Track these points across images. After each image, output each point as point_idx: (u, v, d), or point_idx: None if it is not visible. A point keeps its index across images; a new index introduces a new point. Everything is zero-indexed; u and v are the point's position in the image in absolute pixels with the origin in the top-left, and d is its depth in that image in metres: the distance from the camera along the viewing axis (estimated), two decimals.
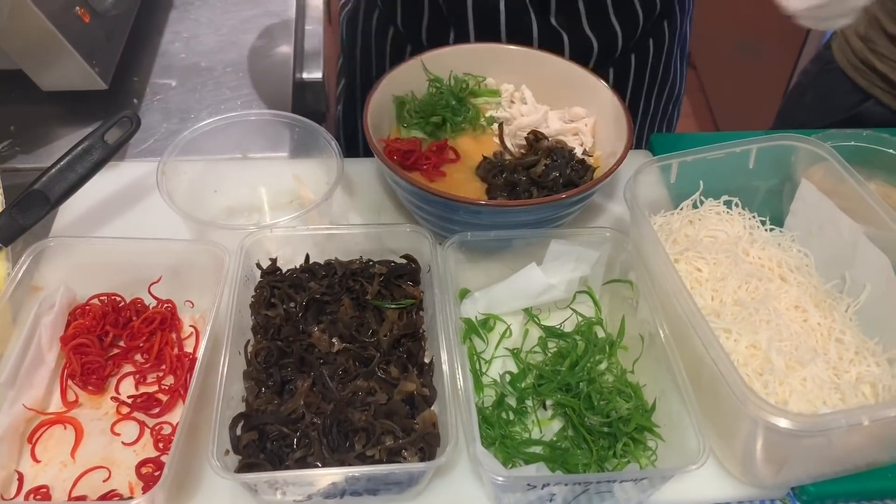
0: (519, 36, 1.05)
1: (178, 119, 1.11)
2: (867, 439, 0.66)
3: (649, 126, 1.29)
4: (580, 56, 1.08)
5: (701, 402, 0.72)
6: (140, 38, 1.23)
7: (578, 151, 0.93)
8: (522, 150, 0.95)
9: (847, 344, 0.74)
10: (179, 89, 1.16)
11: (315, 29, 1.43)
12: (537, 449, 0.74)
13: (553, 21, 1.04)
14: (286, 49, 1.26)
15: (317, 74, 1.33)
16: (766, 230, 0.88)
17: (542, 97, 0.99)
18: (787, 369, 0.70)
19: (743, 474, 0.72)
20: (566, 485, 0.65)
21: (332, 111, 1.50)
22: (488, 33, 1.05)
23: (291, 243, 0.85)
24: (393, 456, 0.68)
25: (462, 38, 1.07)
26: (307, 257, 0.84)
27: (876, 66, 1.24)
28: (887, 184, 0.98)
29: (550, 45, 1.05)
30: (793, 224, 0.88)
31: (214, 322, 0.74)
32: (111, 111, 0.98)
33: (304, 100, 1.33)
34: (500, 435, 0.73)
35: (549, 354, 0.81)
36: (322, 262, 0.84)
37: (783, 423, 0.61)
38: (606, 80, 1.15)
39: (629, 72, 1.16)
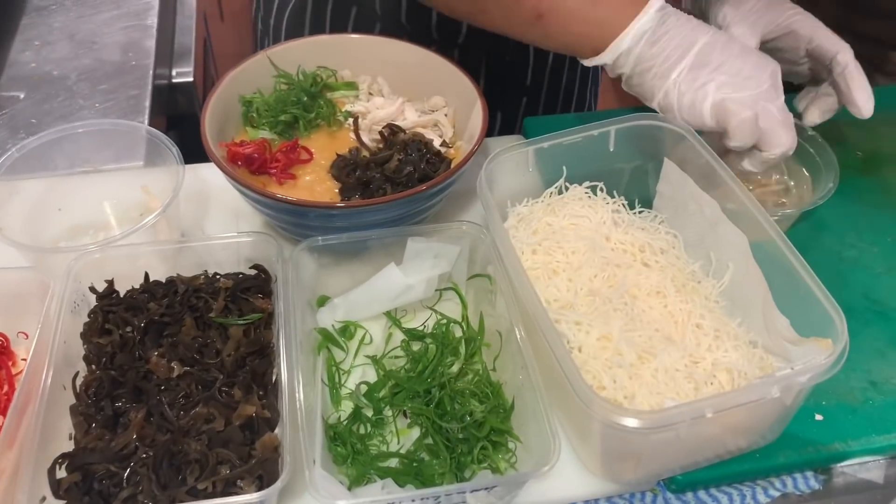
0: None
1: (26, 134, 1.04)
2: (720, 429, 0.64)
3: (562, 109, 1.26)
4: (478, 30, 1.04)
5: (556, 398, 0.69)
6: None
7: (437, 143, 0.89)
8: (380, 146, 0.90)
9: (706, 329, 0.71)
10: (27, 101, 1.09)
11: (187, 26, 1.37)
12: (393, 462, 0.70)
13: None
14: (149, 51, 1.19)
15: (187, 76, 1.27)
16: (635, 213, 0.85)
17: (401, 88, 0.94)
18: (638, 361, 0.67)
19: (603, 473, 0.69)
20: (412, 501, 0.62)
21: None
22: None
23: (132, 262, 0.79)
24: (229, 487, 0.64)
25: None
26: (146, 276, 0.79)
27: None
28: None
29: (448, 21, 1.00)
30: (660, 205, 0.86)
31: (36, 355, 0.68)
32: None
33: (176, 103, 1.27)
34: (352, 451, 0.70)
35: (410, 358, 0.78)
36: (165, 279, 0.79)
37: (626, 421, 0.59)
38: (503, 62, 1.12)
39: (528, 47, 1.12)
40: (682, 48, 0.78)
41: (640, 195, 0.86)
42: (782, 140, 0.78)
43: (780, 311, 0.70)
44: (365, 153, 0.89)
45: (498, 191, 0.83)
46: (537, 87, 1.19)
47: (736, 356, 0.70)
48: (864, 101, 0.84)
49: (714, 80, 0.78)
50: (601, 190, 0.85)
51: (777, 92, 0.79)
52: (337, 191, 0.85)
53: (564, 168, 0.84)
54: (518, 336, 0.70)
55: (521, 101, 1.20)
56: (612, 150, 0.83)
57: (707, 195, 0.79)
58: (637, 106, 0.87)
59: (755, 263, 0.73)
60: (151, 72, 1.15)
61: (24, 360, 0.77)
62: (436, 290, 0.82)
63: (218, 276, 0.80)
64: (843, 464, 0.74)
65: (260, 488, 0.63)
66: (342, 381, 0.77)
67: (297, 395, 0.66)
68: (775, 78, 0.79)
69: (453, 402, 0.71)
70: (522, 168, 0.85)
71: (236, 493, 0.63)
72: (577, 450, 0.71)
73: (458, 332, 0.80)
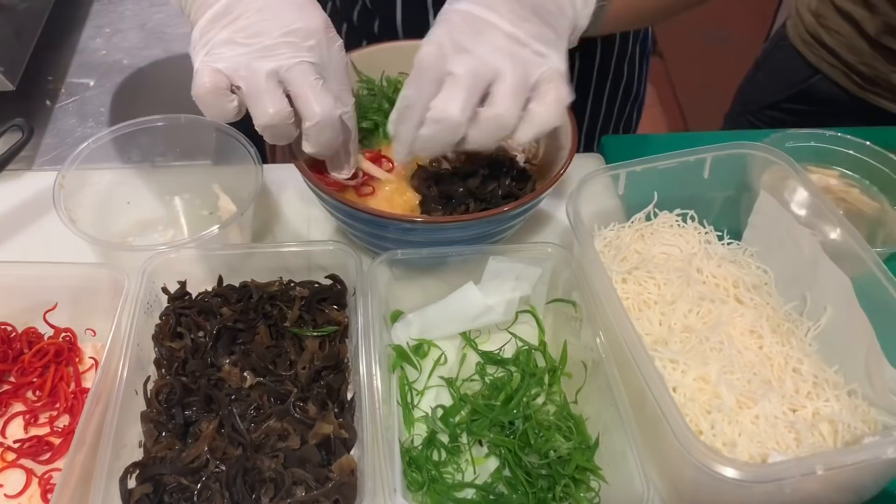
0: None
1: (95, 123, 1.03)
2: (822, 485, 0.60)
3: (607, 128, 1.23)
4: None
5: (647, 438, 0.66)
6: (56, 33, 1.14)
7: (520, 159, 0.86)
8: (463, 157, 0.87)
9: (805, 375, 0.68)
10: (98, 89, 1.07)
11: None
12: (470, 493, 0.67)
13: None
14: None
15: None
16: (723, 244, 0.82)
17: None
18: (737, 406, 0.64)
19: None
20: None
21: None
22: (415, 27, 0.98)
23: (205, 263, 0.77)
24: None
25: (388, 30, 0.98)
26: (220, 279, 0.77)
27: (825, 40, 1.23)
28: (845, 184, 0.93)
29: None
30: (751, 238, 0.82)
31: (109, 357, 0.66)
32: (21, 114, 0.89)
33: None
34: (428, 478, 0.67)
35: (486, 383, 0.75)
36: (238, 284, 0.77)
37: (729, 472, 0.55)
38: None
39: (573, 71, 1.10)
40: None
41: (729, 226, 0.83)
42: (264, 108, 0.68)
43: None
44: (447, 166, 0.86)
45: (583, 213, 0.80)
46: (583, 100, 1.16)
47: (838, 406, 0.66)
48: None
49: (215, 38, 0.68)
50: (692, 218, 0.81)
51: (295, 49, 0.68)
52: (417, 203, 0.83)
53: (655, 193, 0.80)
54: (608, 369, 0.67)
55: None
56: (706, 177, 0.79)
57: (806, 230, 0.75)
58: (722, 131, 0.83)
59: (859, 307, 0.69)
60: None
61: (92, 357, 0.75)
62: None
63: (293, 284, 0.77)
64: None
65: None
66: (415, 403, 0.74)
67: (376, 414, 0.64)
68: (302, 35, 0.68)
69: (537, 436, 0.68)
70: (608, 190, 0.82)
71: None
72: (664, 494, 0.68)
73: (539, 360, 0.76)
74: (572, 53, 1.04)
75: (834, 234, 0.73)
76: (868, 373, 0.68)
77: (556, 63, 0.69)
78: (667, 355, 0.67)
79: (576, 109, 1.14)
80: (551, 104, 0.68)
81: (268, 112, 0.69)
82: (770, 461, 0.59)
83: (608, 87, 1.14)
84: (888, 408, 0.66)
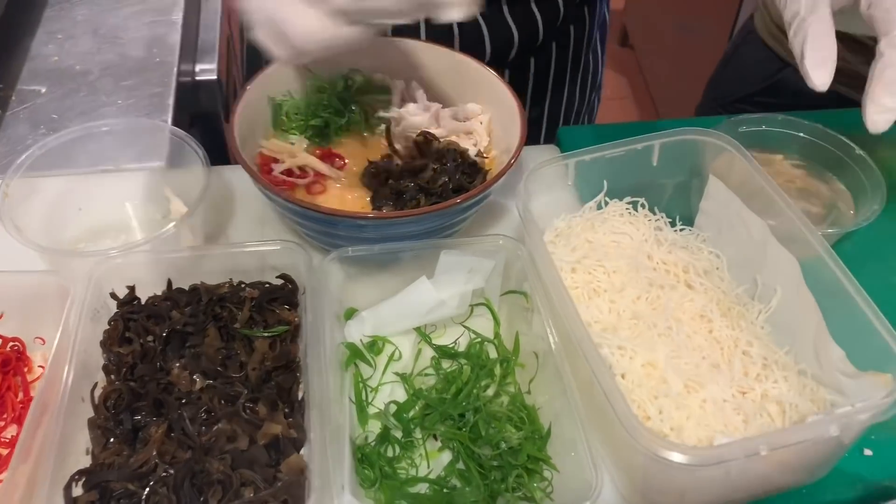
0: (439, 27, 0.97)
1: (47, 130, 1.01)
2: (770, 466, 0.61)
3: (574, 117, 1.23)
4: (502, 47, 1.01)
5: (599, 426, 0.66)
6: (6, 39, 1.12)
7: (472, 153, 0.86)
8: (413, 154, 0.87)
9: (754, 357, 0.68)
10: (49, 96, 1.06)
11: (211, 23, 1.34)
12: (423, 487, 0.67)
13: None
14: (173, 47, 1.16)
15: (211, 74, 1.24)
16: (675, 231, 0.82)
17: (435, 94, 0.91)
18: (685, 390, 0.64)
19: None
20: None
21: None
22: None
23: (155, 268, 0.76)
24: None
25: None
26: (169, 283, 0.76)
27: None
28: (796, 167, 0.93)
29: (471, 37, 0.97)
30: (703, 223, 0.82)
31: (54, 365, 0.66)
32: None
33: (198, 101, 1.24)
34: (380, 475, 0.66)
35: (440, 377, 0.75)
36: (188, 287, 0.76)
37: (675, 456, 0.55)
38: (527, 71, 1.09)
39: (550, 61, 1.10)
40: None
41: (681, 212, 0.83)
42: None
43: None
44: (398, 161, 0.85)
45: (533, 204, 0.80)
46: (541, 97, 1.16)
47: (786, 387, 0.66)
48: (876, 107, 0.64)
49: None
50: (643, 206, 0.81)
51: None
52: (368, 199, 0.82)
53: (605, 182, 0.81)
54: (557, 359, 0.67)
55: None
56: (655, 164, 0.80)
57: (755, 215, 0.75)
58: (673, 119, 0.83)
59: (807, 289, 0.69)
60: (176, 69, 1.12)
61: (41, 366, 0.74)
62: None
63: (243, 285, 0.77)
64: (893, 501, 0.70)
65: None
66: (369, 399, 0.74)
67: (325, 413, 0.63)
68: None
69: (488, 427, 0.68)
70: (560, 181, 0.82)
71: None
72: (616, 481, 0.68)
73: (492, 351, 0.76)
74: (549, 43, 1.05)
75: (782, 218, 0.73)
76: (816, 352, 0.68)
77: None
78: (615, 342, 0.67)
79: (554, 98, 1.15)
80: None
81: None
82: (715, 444, 0.59)
83: (579, 74, 1.15)
84: (836, 386, 0.66)
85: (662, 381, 0.64)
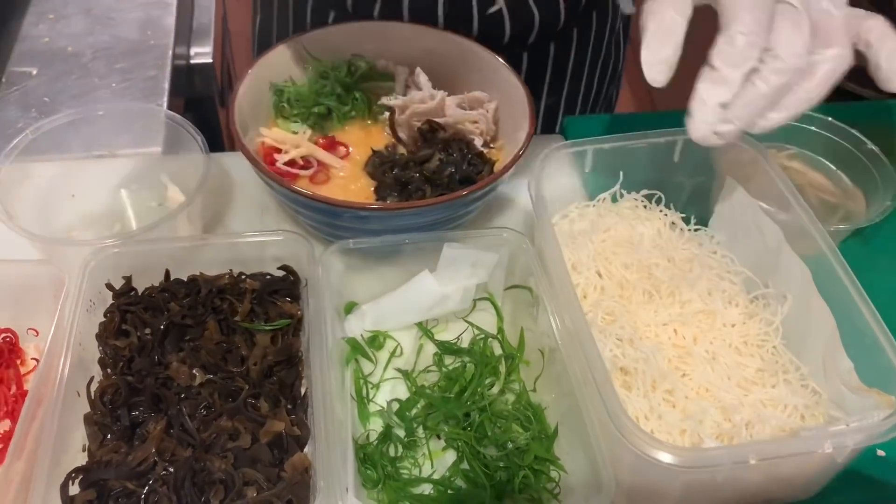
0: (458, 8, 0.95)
1: (38, 113, 0.99)
2: (759, 476, 0.59)
3: (590, 107, 1.21)
4: (522, 30, 0.98)
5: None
6: None
7: (478, 142, 0.84)
8: (419, 141, 0.85)
9: (758, 362, 0.67)
10: (40, 78, 1.03)
11: (206, 5, 1.31)
12: (427, 488, 0.65)
13: None
14: (168, 29, 1.14)
15: (206, 57, 1.21)
16: (689, 230, 0.80)
17: (440, 81, 0.89)
18: (685, 390, 0.63)
19: None
20: None
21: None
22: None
23: (152, 258, 0.74)
24: None
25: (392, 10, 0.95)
26: (167, 273, 0.74)
27: None
28: (807, 165, 0.92)
29: (491, 19, 0.95)
30: (717, 225, 0.80)
31: (49, 358, 0.64)
32: None
33: (193, 85, 1.21)
34: (383, 475, 0.65)
35: (443, 374, 0.73)
36: (187, 278, 0.74)
37: (662, 456, 0.54)
38: (546, 56, 1.07)
39: (570, 47, 1.07)
40: None
41: (697, 212, 0.81)
42: None
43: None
44: (402, 150, 0.83)
45: (544, 190, 0.78)
46: (559, 85, 1.13)
47: (786, 391, 0.65)
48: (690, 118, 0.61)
49: None
50: (658, 200, 0.79)
51: None
52: (372, 189, 0.80)
53: (622, 173, 0.79)
54: (564, 355, 0.66)
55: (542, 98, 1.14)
56: (676, 160, 0.78)
57: (771, 221, 0.74)
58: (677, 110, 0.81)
59: (821, 298, 0.67)
60: (171, 51, 1.09)
61: (34, 358, 0.72)
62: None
63: (243, 277, 0.75)
64: None
65: None
66: (370, 397, 0.72)
67: (329, 411, 0.62)
68: None
69: (494, 427, 0.66)
70: (568, 171, 0.80)
71: None
72: None
73: (496, 348, 0.75)
74: (570, 29, 1.03)
75: (794, 216, 0.72)
76: (824, 363, 0.67)
77: None
78: (616, 334, 0.66)
79: (572, 86, 1.12)
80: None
81: None
82: (704, 447, 0.58)
83: (599, 63, 1.12)
84: (838, 401, 0.65)
85: (662, 379, 0.63)
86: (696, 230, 0.79)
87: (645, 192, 0.79)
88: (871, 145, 0.87)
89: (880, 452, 0.70)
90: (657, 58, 0.60)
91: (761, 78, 0.56)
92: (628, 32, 1.19)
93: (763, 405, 0.64)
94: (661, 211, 0.78)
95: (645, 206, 0.79)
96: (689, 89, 0.61)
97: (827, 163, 0.91)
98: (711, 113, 0.58)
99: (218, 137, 1.25)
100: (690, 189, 0.80)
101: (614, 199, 0.80)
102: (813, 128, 0.91)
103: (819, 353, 0.67)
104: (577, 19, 1.04)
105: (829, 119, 0.90)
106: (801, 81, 0.58)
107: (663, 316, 0.69)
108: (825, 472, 0.63)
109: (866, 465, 0.68)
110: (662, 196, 0.79)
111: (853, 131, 0.89)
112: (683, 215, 0.80)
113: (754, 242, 0.74)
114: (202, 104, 1.23)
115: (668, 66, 0.60)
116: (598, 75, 1.16)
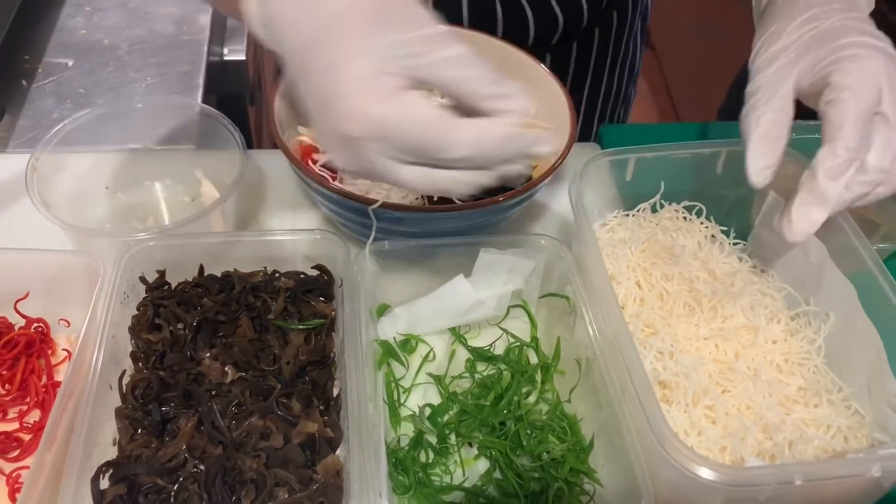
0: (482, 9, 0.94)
1: (73, 104, 0.99)
2: (802, 498, 0.58)
3: (610, 106, 1.20)
4: (546, 31, 0.98)
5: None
6: (33, 11, 1.09)
7: None
8: None
9: (800, 381, 0.65)
10: (76, 70, 1.03)
11: None
12: (459, 496, 0.64)
13: None
14: (203, 26, 1.14)
15: (239, 55, 1.21)
16: (729, 243, 0.79)
17: None
18: (727, 407, 0.61)
19: None
20: None
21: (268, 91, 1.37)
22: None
23: (186, 252, 0.74)
24: None
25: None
26: (201, 269, 0.73)
27: None
28: None
29: (515, 20, 0.94)
30: (759, 239, 0.79)
31: (82, 350, 0.63)
32: None
33: (225, 82, 1.21)
34: (415, 481, 0.64)
35: (476, 381, 0.72)
36: (220, 274, 0.74)
37: (706, 472, 0.53)
38: (569, 56, 1.06)
39: (592, 46, 1.07)
40: None
41: (737, 226, 0.80)
42: None
43: None
44: None
45: (584, 198, 0.77)
46: (580, 84, 1.13)
47: (829, 412, 0.63)
48: (789, 224, 0.62)
49: None
50: (699, 212, 0.78)
51: None
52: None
53: (662, 183, 0.78)
54: (602, 366, 0.64)
55: None
56: (718, 172, 0.76)
57: (815, 238, 0.72)
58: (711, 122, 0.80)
59: (866, 317, 0.66)
60: (206, 48, 1.09)
61: (65, 350, 0.72)
62: None
63: (278, 275, 0.74)
64: None
65: None
66: (402, 401, 0.71)
67: (363, 413, 0.61)
68: None
69: (530, 437, 0.65)
70: (606, 179, 0.79)
71: None
72: None
73: (531, 356, 0.74)
74: (592, 28, 1.03)
75: (838, 233, 0.70)
76: (868, 384, 0.65)
77: None
78: (657, 347, 0.64)
79: (593, 86, 1.12)
80: None
81: None
82: (747, 465, 0.57)
83: (619, 62, 1.12)
84: (882, 423, 0.63)
85: (704, 394, 0.62)
86: (734, 244, 0.78)
87: (685, 203, 0.78)
88: None
89: None
90: (763, 164, 0.62)
91: (847, 187, 0.60)
92: (645, 31, 1.19)
93: (805, 425, 0.62)
94: (701, 223, 0.77)
95: (685, 218, 0.77)
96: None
97: None
98: (812, 228, 0.61)
99: (247, 135, 1.24)
100: (732, 202, 0.78)
101: (654, 210, 0.78)
102: None
103: (863, 373, 0.65)
104: (599, 19, 1.04)
105: None
106: (878, 188, 0.62)
107: (704, 330, 0.67)
108: (868, 495, 0.62)
109: None
110: (703, 208, 0.78)
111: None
112: (724, 228, 0.78)
113: (796, 258, 0.72)
114: (233, 102, 1.23)
115: (773, 171, 0.63)
116: (618, 74, 1.16)
